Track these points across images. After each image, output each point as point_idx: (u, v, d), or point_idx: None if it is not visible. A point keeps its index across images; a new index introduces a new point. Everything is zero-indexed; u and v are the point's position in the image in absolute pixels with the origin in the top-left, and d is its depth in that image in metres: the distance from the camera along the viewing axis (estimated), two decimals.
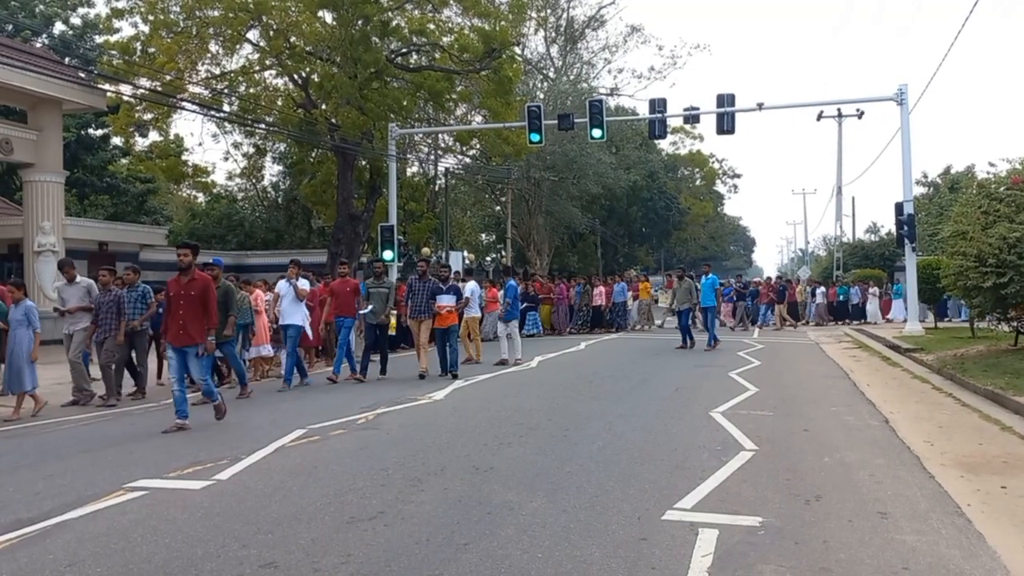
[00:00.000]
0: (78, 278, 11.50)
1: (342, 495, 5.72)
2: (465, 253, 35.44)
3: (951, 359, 13.58)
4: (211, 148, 66.08)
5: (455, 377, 12.73)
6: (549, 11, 40.01)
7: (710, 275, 19.49)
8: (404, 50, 26.02)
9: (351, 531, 4.90)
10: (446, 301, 13.28)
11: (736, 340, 20.77)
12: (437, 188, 36.98)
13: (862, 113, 38.39)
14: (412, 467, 6.56)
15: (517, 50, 30.98)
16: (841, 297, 30.36)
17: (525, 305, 22.15)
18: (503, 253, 43.14)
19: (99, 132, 34.19)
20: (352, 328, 13.30)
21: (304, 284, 12.92)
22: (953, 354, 14.28)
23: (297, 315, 12.56)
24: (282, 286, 12.87)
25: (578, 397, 10.72)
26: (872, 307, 30.22)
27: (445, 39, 25.57)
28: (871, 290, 30.63)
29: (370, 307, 13.24)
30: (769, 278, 34.40)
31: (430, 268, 14.02)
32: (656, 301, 27.98)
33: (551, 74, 40.53)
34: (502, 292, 17.10)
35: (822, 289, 30.86)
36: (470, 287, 16.41)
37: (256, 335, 13.21)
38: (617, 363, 15.22)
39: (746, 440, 7.46)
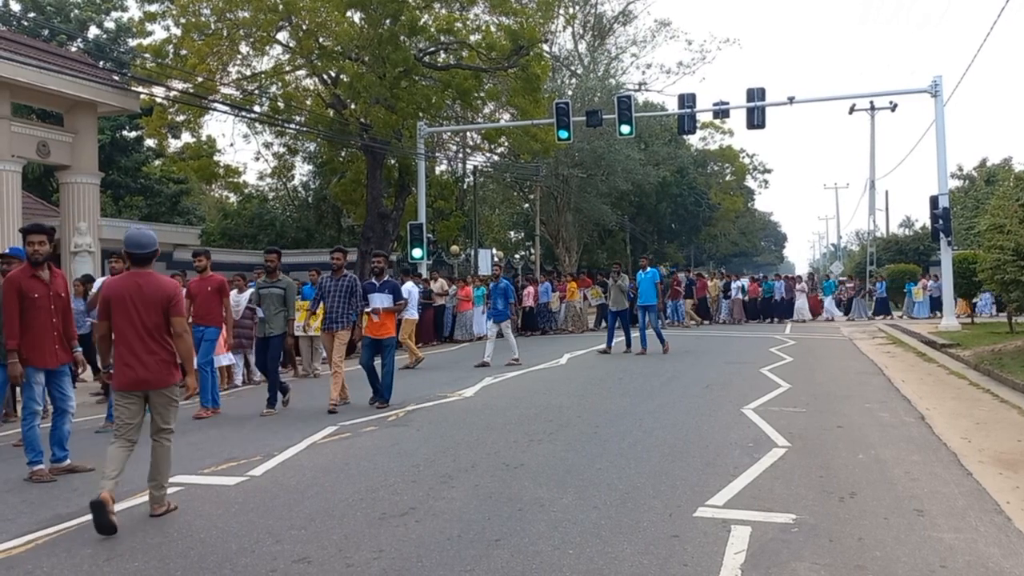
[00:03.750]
0: None
1: (374, 491, 5.76)
2: (494, 251, 35.42)
3: (988, 354, 13.34)
4: (242, 148, 66.93)
5: (382, 406, 9.78)
6: (577, 7, 39.89)
7: (648, 269, 17.13)
8: (432, 49, 26.10)
9: (383, 527, 4.93)
10: (381, 302, 10.08)
11: (767, 336, 20.58)
12: (466, 186, 37.07)
13: (895, 106, 37.70)
14: (443, 463, 6.58)
15: (545, 47, 30.93)
16: (765, 293, 28.72)
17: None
18: (532, 251, 43.11)
19: (133, 134, 34.69)
20: (215, 341, 10.07)
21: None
22: (990, 349, 14.03)
23: None
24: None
25: (608, 394, 10.69)
26: (800, 304, 28.70)
27: (473, 37, 25.60)
28: (799, 286, 29.27)
29: (259, 315, 10.35)
30: (676, 271, 32.64)
31: (345, 260, 10.54)
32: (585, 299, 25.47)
33: (579, 70, 40.38)
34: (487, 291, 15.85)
35: (738, 284, 29.14)
36: (408, 287, 15.13)
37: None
38: (646, 360, 15.14)
39: (778, 437, 7.39)
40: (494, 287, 15.38)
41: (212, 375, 10.09)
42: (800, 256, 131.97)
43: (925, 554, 4.34)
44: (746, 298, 28.57)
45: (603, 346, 16.94)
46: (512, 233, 49.84)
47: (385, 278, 10.42)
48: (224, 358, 12.27)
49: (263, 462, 6.76)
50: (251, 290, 12.15)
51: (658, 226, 52.66)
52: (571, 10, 38.82)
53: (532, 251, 42.84)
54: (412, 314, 15.51)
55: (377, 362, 10.11)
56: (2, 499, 5.88)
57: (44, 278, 6.54)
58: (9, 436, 8.39)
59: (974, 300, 26.01)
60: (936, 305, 29.52)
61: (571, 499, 5.47)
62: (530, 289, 23.90)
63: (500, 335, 15.01)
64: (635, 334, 17.04)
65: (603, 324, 23.54)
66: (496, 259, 33.52)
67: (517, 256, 47.79)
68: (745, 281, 29.82)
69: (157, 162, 36.90)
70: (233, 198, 42.29)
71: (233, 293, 12.46)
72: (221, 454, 7.12)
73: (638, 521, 4.96)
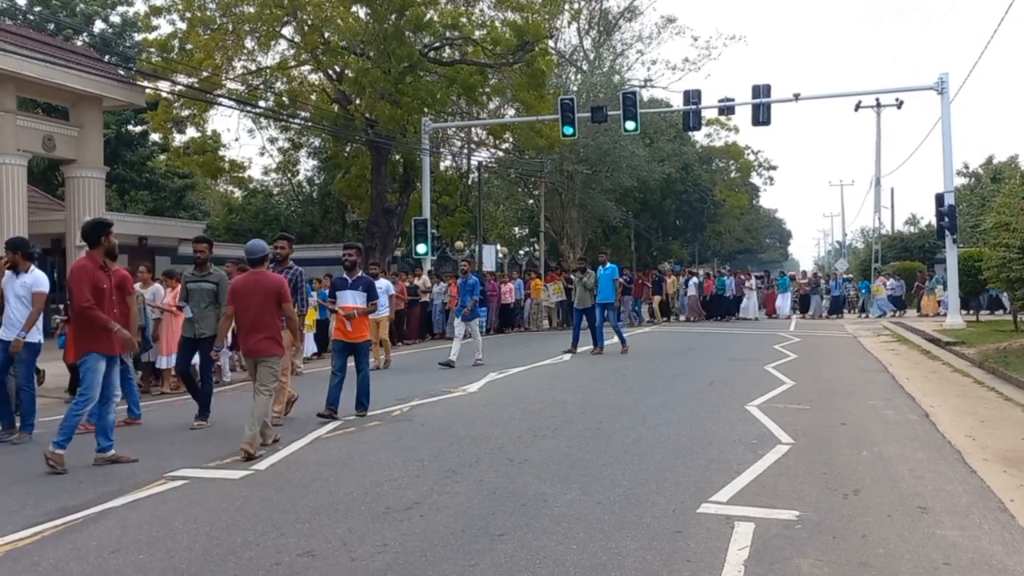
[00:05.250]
0: None
1: (378, 486, 5.77)
2: (498, 247, 35.39)
3: (993, 352, 13.32)
4: (247, 143, 66.99)
5: (362, 415, 8.70)
6: (583, 3, 39.81)
7: (608, 265, 16.16)
8: (437, 44, 26.09)
9: (387, 521, 4.94)
10: (353, 301, 8.94)
11: (771, 333, 20.56)
12: (470, 182, 37.04)
13: (901, 103, 37.52)
14: (446, 458, 6.59)
15: (550, 43, 30.88)
16: (718, 289, 27.05)
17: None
18: (536, 247, 43.10)
19: (138, 128, 34.79)
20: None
21: (29, 278, 7.85)
22: (995, 347, 14.01)
23: (29, 328, 7.70)
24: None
25: (612, 390, 10.69)
26: (749, 302, 27.17)
27: (478, 33, 25.61)
28: (748, 283, 27.58)
29: (187, 313, 9.03)
30: (682, 268, 31.20)
31: (290, 250, 9.09)
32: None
33: (584, 66, 40.31)
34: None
35: (695, 280, 27.29)
36: (383, 284, 14.24)
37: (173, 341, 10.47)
38: (651, 357, 15.14)
39: (782, 434, 7.39)
40: (463, 284, 14.58)
41: (128, 383, 8.77)
42: (805, 253, 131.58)
43: (928, 551, 4.34)
44: (702, 295, 26.99)
45: (568, 348, 15.73)
46: (516, 229, 49.82)
47: (358, 274, 9.23)
48: (164, 360, 11.29)
49: (268, 456, 6.77)
50: (157, 285, 11.39)
51: (663, 223, 52.57)
52: (576, 6, 38.70)
53: (536, 247, 42.82)
54: (384, 312, 14.02)
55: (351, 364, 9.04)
56: (8, 491, 5.90)
57: (109, 271, 7.03)
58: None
59: (939, 299, 25.98)
60: (896, 303, 29.26)
61: (575, 495, 5.48)
62: (510, 286, 23.46)
63: (468, 335, 14.10)
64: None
65: (562, 324, 23.18)
66: (500, 255, 33.54)
67: (521, 252, 47.76)
68: (702, 277, 28.66)
69: (162, 157, 36.95)
70: (238, 193, 42.38)
71: (139, 287, 10.41)
72: (225, 448, 7.13)
73: (641, 517, 4.97)
